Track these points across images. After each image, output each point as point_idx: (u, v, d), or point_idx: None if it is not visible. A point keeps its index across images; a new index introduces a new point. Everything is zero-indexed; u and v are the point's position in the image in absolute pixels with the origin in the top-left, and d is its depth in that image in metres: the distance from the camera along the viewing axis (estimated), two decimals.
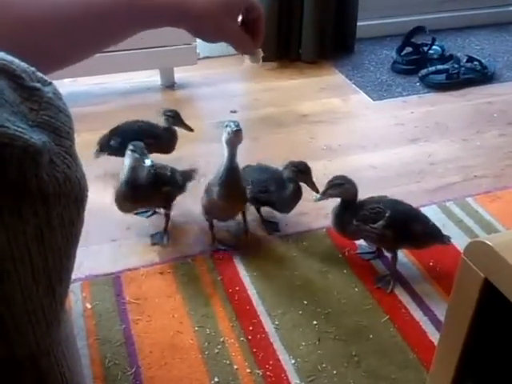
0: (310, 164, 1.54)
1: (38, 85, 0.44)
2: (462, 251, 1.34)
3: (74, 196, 0.45)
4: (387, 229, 1.23)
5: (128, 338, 1.13)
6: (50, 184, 0.42)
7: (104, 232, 1.38)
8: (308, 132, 1.84)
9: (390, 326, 1.17)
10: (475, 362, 0.73)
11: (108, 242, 1.36)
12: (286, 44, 2.24)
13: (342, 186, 1.27)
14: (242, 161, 1.70)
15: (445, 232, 1.41)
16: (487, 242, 0.63)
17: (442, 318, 1.18)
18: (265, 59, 2.19)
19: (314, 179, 1.34)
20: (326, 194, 1.28)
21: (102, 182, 1.51)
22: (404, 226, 1.25)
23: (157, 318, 1.18)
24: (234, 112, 1.93)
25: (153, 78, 2.08)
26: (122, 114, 1.89)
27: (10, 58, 0.44)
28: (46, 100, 0.44)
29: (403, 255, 1.35)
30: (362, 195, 1.53)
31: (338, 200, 1.29)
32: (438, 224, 1.42)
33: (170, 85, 2.08)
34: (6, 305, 0.46)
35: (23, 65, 0.45)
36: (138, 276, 1.27)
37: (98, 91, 2.02)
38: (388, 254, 1.32)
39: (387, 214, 1.24)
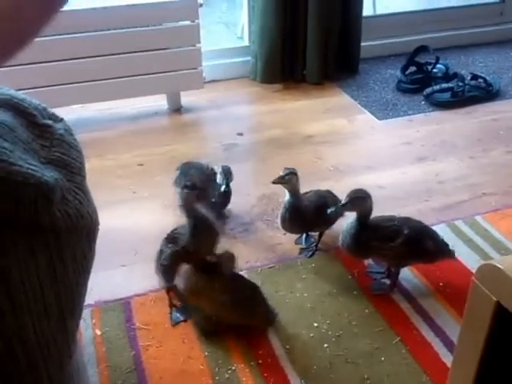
0: (317, 185, 1.55)
1: (50, 122, 0.45)
2: (472, 270, 1.34)
3: (85, 230, 0.45)
4: (404, 246, 1.23)
5: (138, 365, 1.12)
6: (62, 220, 0.42)
7: (112, 258, 1.38)
8: (314, 153, 1.84)
9: (401, 347, 1.16)
10: None
11: (117, 267, 1.36)
12: (290, 66, 2.26)
13: (365, 200, 1.23)
14: (249, 182, 1.72)
15: (454, 251, 1.40)
16: (498, 266, 0.63)
17: (453, 338, 1.17)
18: (270, 81, 2.24)
19: None
20: (346, 207, 1.23)
21: (110, 207, 1.52)
22: (418, 242, 1.25)
23: (167, 343, 1.17)
24: (241, 135, 1.95)
25: (160, 102, 2.10)
26: (131, 139, 1.92)
27: (21, 95, 0.45)
28: (57, 137, 0.45)
29: (413, 276, 1.34)
30: (370, 216, 1.53)
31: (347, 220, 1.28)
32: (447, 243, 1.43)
33: (176, 109, 2.10)
34: (18, 339, 0.46)
35: (34, 102, 0.46)
36: (148, 301, 1.27)
37: (106, 116, 2.05)
38: (393, 269, 1.31)
39: (405, 232, 1.24)
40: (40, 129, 0.44)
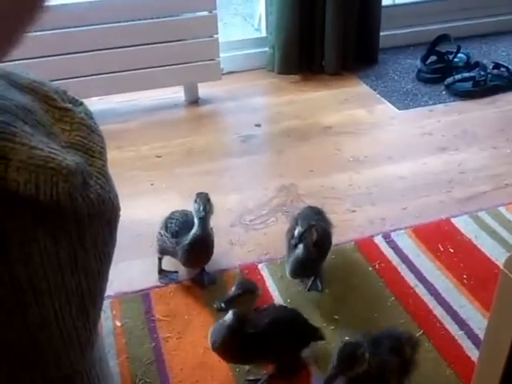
0: (337, 176, 1.53)
1: (70, 105, 0.44)
2: (495, 262, 1.31)
3: (107, 216, 0.44)
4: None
5: (158, 356, 1.12)
6: (83, 205, 0.41)
7: (131, 249, 1.37)
8: (334, 144, 1.82)
9: (425, 340, 1.14)
10: None
11: (136, 258, 1.36)
12: (308, 56, 2.24)
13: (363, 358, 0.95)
14: (268, 173, 1.71)
15: (478, 243, 1.38)
16: None
17: (478, 331, 1.15)
18: (288, 72, 2.22)
19: (341, 192, 1.31)
20: (339, 372, 0.94)
21: (128, 198, 1.52)
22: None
23: (187, 334, 1.17)
24: (259, 126, 1.93)
25: (177, 94, 2.10)
26: (148, 131, 1.92)
27: (41, 79, 0.44)
28: (78, 120, 0.44)
29: (436, 268, 1.32)
30: (392, 207, 1.51)
31: None
32: (470, 235, 1.40)
33: (194, 100, 2.09)
34: (40, 327, 0.45)
35: (54, 86, 0.45)
36: (167, 292, 1.27)
37: (124, 108, 2.04)
38: None
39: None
40: (60, 112, 0.43)
